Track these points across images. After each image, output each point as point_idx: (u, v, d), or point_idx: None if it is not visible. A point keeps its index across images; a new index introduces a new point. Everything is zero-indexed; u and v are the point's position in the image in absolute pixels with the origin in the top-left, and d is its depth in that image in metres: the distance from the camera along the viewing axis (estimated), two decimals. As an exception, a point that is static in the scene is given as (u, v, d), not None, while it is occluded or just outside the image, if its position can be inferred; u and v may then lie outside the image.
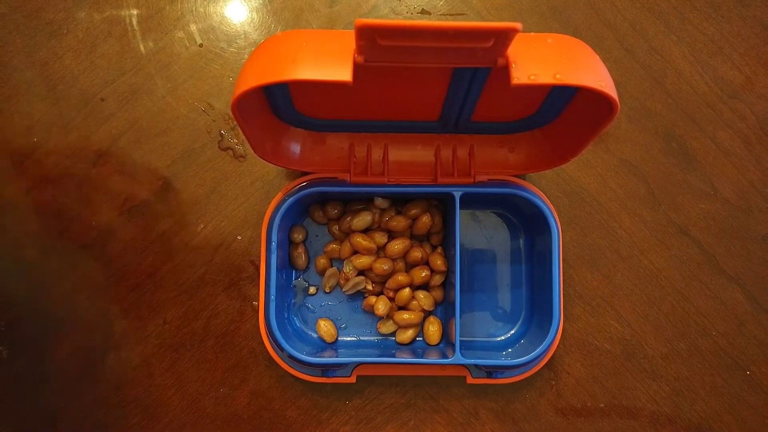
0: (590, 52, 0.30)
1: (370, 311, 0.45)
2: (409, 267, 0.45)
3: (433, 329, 0.44)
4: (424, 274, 0.44)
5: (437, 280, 0.45)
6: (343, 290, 0.45)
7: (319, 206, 0.46)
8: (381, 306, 0.44)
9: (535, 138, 0.42)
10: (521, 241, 0.47)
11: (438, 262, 0.44)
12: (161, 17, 0.48)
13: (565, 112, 0.39)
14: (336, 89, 0.37)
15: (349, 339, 0.46)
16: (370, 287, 0.45)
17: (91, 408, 0.45)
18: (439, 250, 0.45)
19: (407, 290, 0.44)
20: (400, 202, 0.46)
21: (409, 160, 0.43)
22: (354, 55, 0.28)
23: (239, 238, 0.47)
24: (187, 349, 0.46)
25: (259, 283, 0.41)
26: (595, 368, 0.47)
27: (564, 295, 0.44)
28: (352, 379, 0.43)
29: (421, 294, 0.45)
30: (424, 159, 0.44)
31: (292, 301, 0.46)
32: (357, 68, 0.28)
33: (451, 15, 0.49)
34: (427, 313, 0.45)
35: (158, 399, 0.46)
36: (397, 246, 0.44)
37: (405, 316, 0.44)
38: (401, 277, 0.44)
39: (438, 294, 0.45)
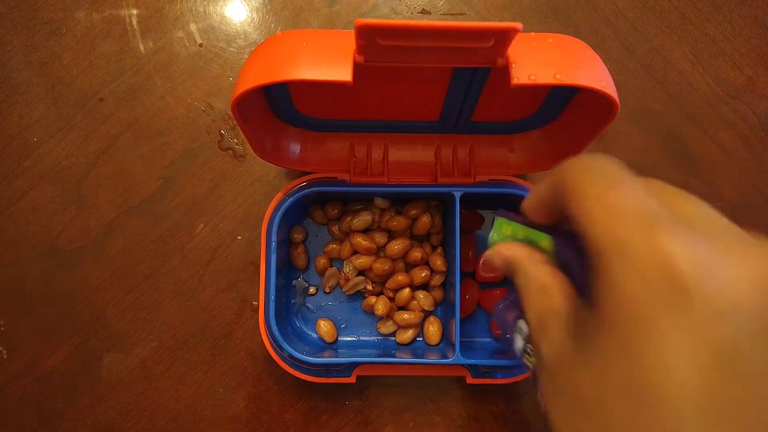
0: (591, 52, 0.30)
1: (370, 311, 0.45)
2: (409, 267, 0.45)
3: (433, 329, 0.44)
4: (424, 274, 0.44)
5: (437, 280, 0.45)
6: (343, 290, 0.45)
7: (319, 206, 0.46)
8: (381, 306, 0.43)
9: (536, 138, 0.42)
10: (521, 242, 0.47)
11: (438, 262, 0.44)
12: (161, 17, 0.48)
13: (566, 112, 0.39)
14: (336, 89, 0.36)
15: (349, 339, 0.46)
16: (370, 287, 0.45)
17: (89, 409, 0.45)
18: (439, 250, 0.45)
19: (407, 290, 0.44)
20: (400, 202, 0.46)
21: (409, 160, 0.43)
22: (354, 55, 0.28)
23: (239, 238, 0.47)
24: (185, 350, 0.46)
25: (259, 283, 0.41)
26: (595, 369, 0.46)
27: (564, 295, 0.43)
28: (352, 380, 0.43)
29: (421, 294, 0.44)
30: (424, 159, 0.43)
31: (292, 301, 0.46)
32: (357, 68, 0.28)
33: (451, 15, 0.49)
34: (427, 314, 0.45)
35: (156, 401, 0.45)
36: (397, 246, 0.44)
37: (405, 316, 0.44)
38: (401, 277, 0.44)
39: (438, 294, 0.45)
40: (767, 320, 0.15)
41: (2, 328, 0.46)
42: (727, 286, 0.15)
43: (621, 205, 0.17)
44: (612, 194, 0.18)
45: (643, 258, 0.16)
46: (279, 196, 0.42)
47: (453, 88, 0.36)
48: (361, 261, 0.44)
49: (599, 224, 0.17)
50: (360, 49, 0.28)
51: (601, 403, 0.17)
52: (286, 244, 0.45)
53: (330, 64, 0.28)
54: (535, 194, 0.23)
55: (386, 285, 0.44)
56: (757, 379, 0.15)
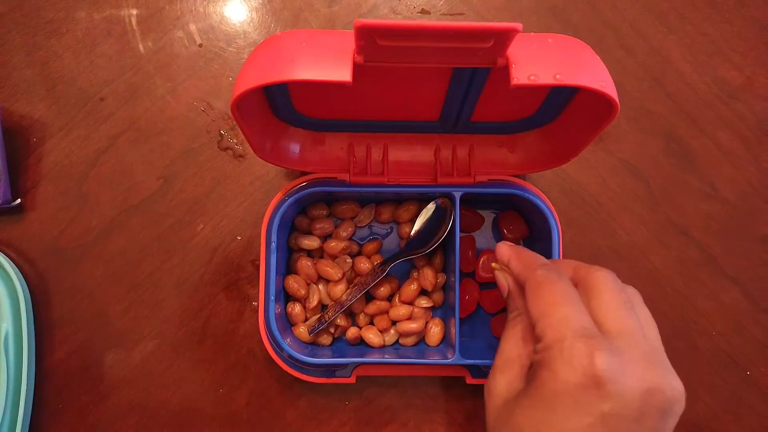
0: (590, 53, 0.30)
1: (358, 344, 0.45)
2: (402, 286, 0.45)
3: (436, 330, 0.44)
4: (414, 286, 0.44)
5: (439, 282, 0.45)
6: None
7: (305, 228, 0.46)
8: (372, 336, 0.44)
9: (535, 138, 0.42)
10: (521, 242, 0.47)
11: (429, 275, 0.44)
12: (161, 17, 0.48)
13: (565, 112, 0.39)
14: (335, 89, 0.36)
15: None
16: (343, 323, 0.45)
17: (91, 407, 0.45)
18: (438, 258, 0.45)
19: (405, 308, 0.44)
20: (396, 202, 0.46)
21: (408, 160, 0.43)
22: (353, 55, 0.28)
23: (239, 238, 0.47)
24: (186, 348, 0.46)
25: (259, 283, 0.41)
26: (594, 368, 0.46)
27: (563, 295, 0.43)
28: (352, 380, 0.43)
29: (423, 300, 0.44)
30: (424, 159, 0.43)
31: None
32: (356, 68, 0.28)
33: (450, 15, 0.49)
34: (432, 314, 0.45)
35: (157, 399, 0.45)
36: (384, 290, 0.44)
37: (412, 326, 0.43)
38: (403, 311, 0.44)
39: (438, 296, 0.45)
40: (639, 411, 0.25)
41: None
42: (625, 394, 0.25)
43: (569, 319, 0.27)
44: (563, 309, 0.27)
45: (579, 362, 0.26)
46: (279, 196, 0.43)
47: (453, 88, 0.37)
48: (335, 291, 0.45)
49: (551, 327, 0.27)
50: (359, 49, 0.28)
51: None
52: (284, 246, 0.45)
53: (329, 64, 0.28)
54: (503, 278, 0.34)
55: (390, 317, 0.45)
56: None
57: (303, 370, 0.43)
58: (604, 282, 0.29)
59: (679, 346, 0.47)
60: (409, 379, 0.46)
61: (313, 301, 0.44)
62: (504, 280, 0.34)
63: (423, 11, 0.49)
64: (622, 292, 0.29)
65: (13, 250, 0.46)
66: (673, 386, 0.27)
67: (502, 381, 0.29)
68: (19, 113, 0.47)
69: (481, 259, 0.45)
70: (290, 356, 0.40)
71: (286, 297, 0.45)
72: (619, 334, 0.27)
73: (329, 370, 0.43)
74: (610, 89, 0.29)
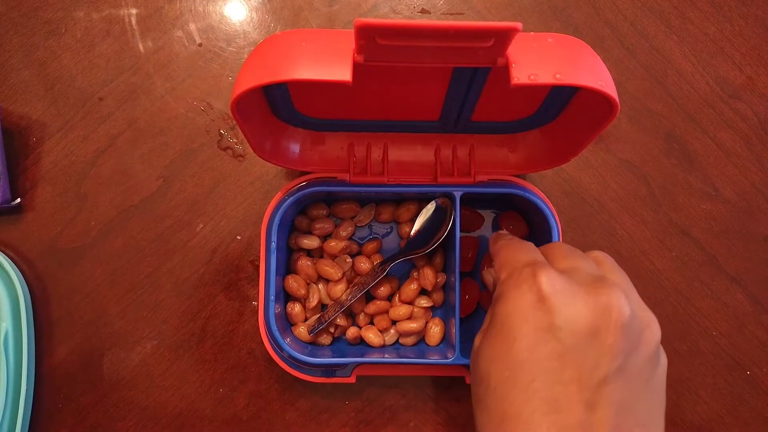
0: (590, 52, 0.30)
1: (359, 343, 0.45)
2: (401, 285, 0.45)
3: (436, 329, 0.44)
4: (414, 287, 0.44)
5: (439, 282, 0.45)
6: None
7: (306, 227, 0.45)
8: (372, 336, 0.43)
9: (535, 138, 0.42)
10: (521, 242, 0.47)
11: (429, 275, 0.44)
12: (160, 16, 0.48)
13: (566, 111, 0.39)
14: (335, 89, 0.36)
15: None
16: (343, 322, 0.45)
17: (90, 408, 0.45)
18: (438, 258, 0.45)
19: (405, 308, 0.44)
20: (396, 201, 0.46)
21: (409, 160, 0.43)
22: (354, 55, 0.28)
23: (238, 237, 0.47)
24: (186, 349, 0.46)
25: (259, 283, 0.41)
26: (595, 369, 0.46)
27: (564, 295, 0.43)
28: (352, 380, 0.43)
29: (423, 300, 0.44)
30: (424, 159, 0.43)
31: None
32: (357, 68, 0.28)
33: (451, 14, 0.49)
34: (432, 313, 0.45)
35: (157, 400, 0.45)
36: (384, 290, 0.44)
37: (412, 325, 0.43)
38: (402, 310, 0.44)
39: (438, 296, 0.45)
40: (592, 326, 0.26)
41: (2, 328, 0.46)
42: (571, 307, 0.26)
43: (521, 258, 0.30)
44: (517, 254, 0.31)
45: (526, 284, 0.27)
46: (278, 195, 0.42)
47: (453, 87, 0.36)
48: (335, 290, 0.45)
49: (505, 269, 0.30)
50: (360, 48, 0.28)
51: (488, 372, 0.28)
52: (284, 245, 0.45)
53: (330, 63, 0.28)
54: (488, 275, 0.38)
55: (390, 316, 0.45)
56: (567, 351, 0.26)
57: (303, 370, 0.42)
58: (556, 243, 0.32)
59: (680, 347, 0.47)
60: (410, 379, 0.46)
61: (313, 301, 0.44)
62: (489, 276, 0.38)
63: (423, 11, 0.49)
64: (571, 249, 0.31)
65: (13, 250, 0.46)
66: (637, 313, 0.27)
67: (478, 337, 0.31)
68: (18, 113, 0.47)
69: (484, 259, 0.45)
70: (290, 356, 0.40)
71: (286, 297, 0.45)
72: (569, 269, 0.29)
73: (329, 370, 0.43)
74: (610, 89, 0.29)
